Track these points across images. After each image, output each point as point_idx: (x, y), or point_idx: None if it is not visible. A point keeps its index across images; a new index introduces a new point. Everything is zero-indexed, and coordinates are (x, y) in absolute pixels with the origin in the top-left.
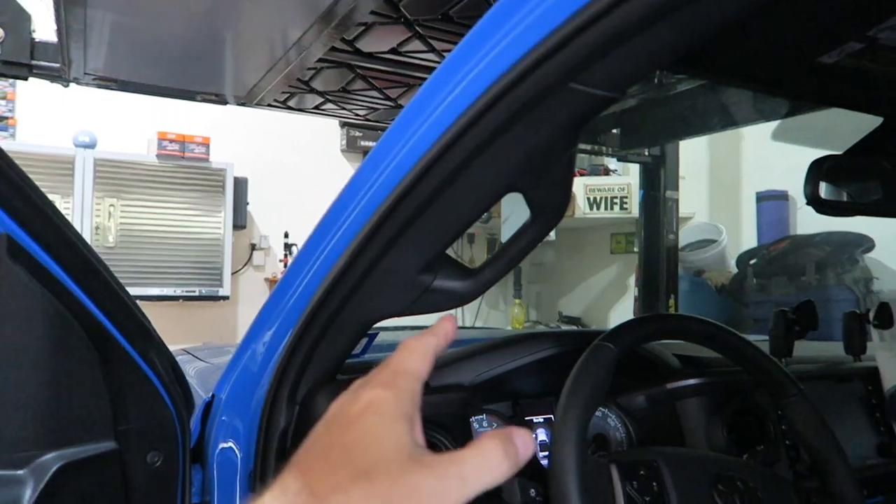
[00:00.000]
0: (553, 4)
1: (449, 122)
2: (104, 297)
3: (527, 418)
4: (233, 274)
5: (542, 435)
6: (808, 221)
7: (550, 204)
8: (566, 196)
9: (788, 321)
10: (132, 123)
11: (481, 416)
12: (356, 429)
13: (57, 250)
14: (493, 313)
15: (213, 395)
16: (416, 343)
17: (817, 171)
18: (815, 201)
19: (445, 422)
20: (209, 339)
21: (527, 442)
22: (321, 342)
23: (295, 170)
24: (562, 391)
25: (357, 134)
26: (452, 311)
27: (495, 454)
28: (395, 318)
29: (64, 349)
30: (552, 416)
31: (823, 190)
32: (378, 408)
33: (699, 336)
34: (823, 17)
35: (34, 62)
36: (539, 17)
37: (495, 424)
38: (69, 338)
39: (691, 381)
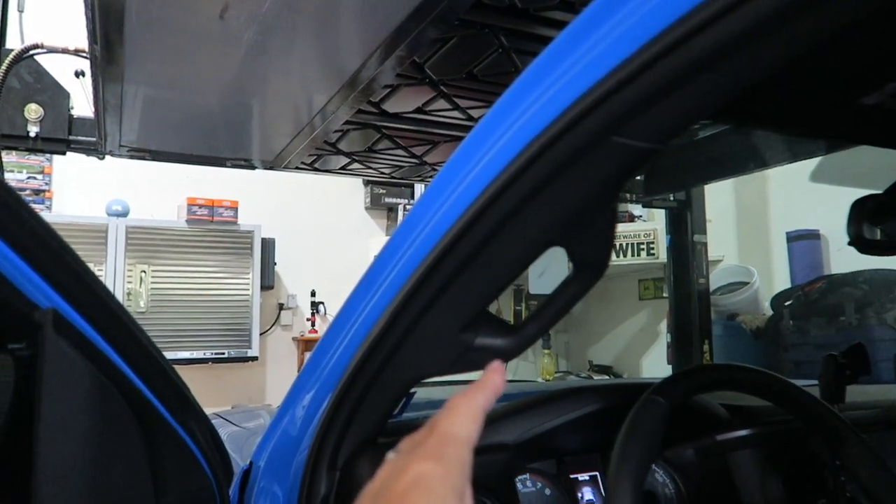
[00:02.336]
0: (595, 59)
1: (491, 178)
2: (146, 368)
3: (571, 476)
4: (261, 334)
5: (588, 494)
6: (842, 260)
7: (593, 258)
8: (609, 250)
9: (839, 365)
10: (163, 191)
11: (525, 476)
12: None
13: (100, 323)
14: (522, 364)
15: (251, 463)
16: (463, 403)
17: (860, 210)
18: (858, 241)
19: (490, 483)
20: (239, 400)
21: None
22: (362, 405)
23: (320, 228)
24: (613, 448)
25: (381, 191)
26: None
27: None
28: None
29: (108, 423)
30: (597, 473)
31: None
32: (426, 484)
33: (752, 386)
34: (864, 60)
35: (72, 137)
36: (582, 70)
37: (540, 484)
38: (113, 411)
39: (742, 433)
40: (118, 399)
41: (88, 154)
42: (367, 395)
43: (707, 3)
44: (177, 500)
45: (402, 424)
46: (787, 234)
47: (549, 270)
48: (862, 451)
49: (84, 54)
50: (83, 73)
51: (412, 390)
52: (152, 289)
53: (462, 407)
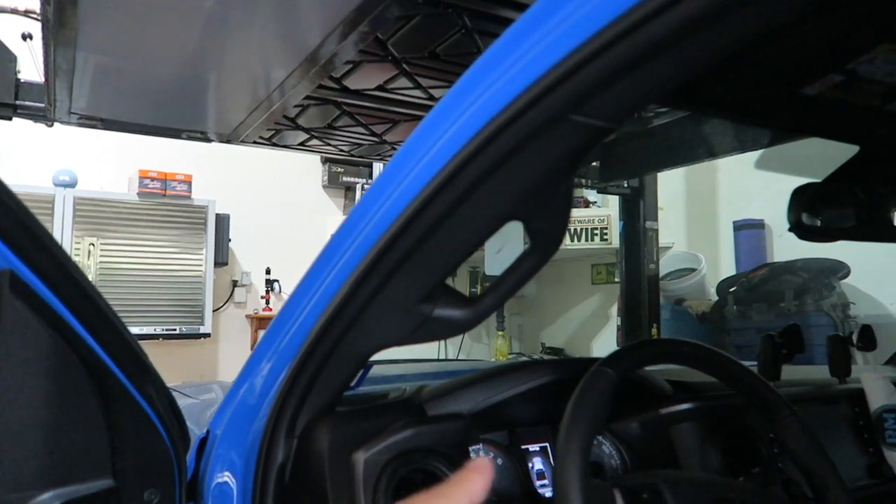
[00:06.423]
0: (558, 38)
1: (451, 154)
2: (104, 333)
3: (522, 447)
4: (214, 311)
5: (538, 464)
6: (785, 249)
7: (549, 233)
8: (564, 225)
9: (776, 345)
10: (113, 162)
11: (478, 446)
12: None
13: (58, 286)
14: (476, 346)
15: (207, 431)
16: None
17: (800, 198)
18: (798, 227)
19: (445, 451)
20: (190, 377)
21: None
22: (321, 374)
23: (277, 206)
24: (562, 418)
25: (339, 170)
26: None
27: None
28: (392, 350)
29: (64, 386)
30: (548, 444)
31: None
32: None
33: (695, 360)
34: (807, 50)
35: (18, 102)
36: (545, 49)
37: (492, 454)
38: (69, 374)
39: (684, 406)
40: (76, 363)
41: (36, 120)
42: (327, 363)
43: None
44: (133, 464)
45: (359, 396)
46: (734, 223)
47: (506, 248)
48: (794, 423)
49: (34, 16)
50: (31, 36)
51: (369, 362)
52: (101, 262)
53: None
